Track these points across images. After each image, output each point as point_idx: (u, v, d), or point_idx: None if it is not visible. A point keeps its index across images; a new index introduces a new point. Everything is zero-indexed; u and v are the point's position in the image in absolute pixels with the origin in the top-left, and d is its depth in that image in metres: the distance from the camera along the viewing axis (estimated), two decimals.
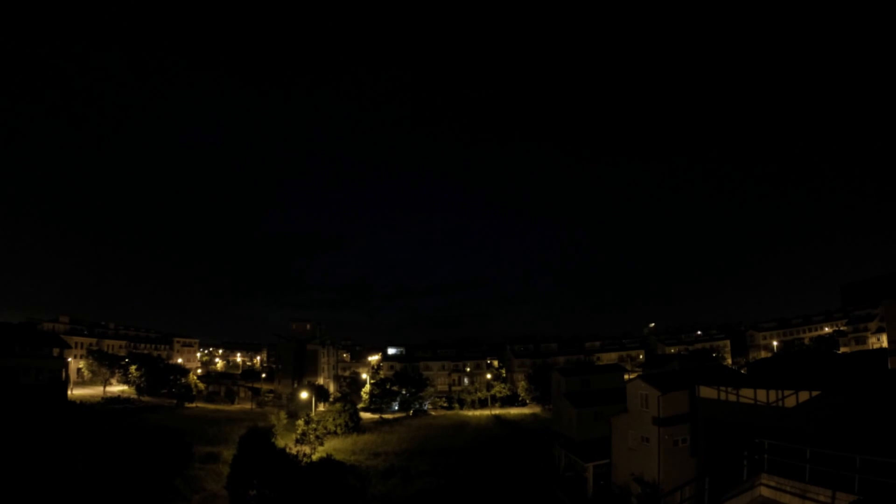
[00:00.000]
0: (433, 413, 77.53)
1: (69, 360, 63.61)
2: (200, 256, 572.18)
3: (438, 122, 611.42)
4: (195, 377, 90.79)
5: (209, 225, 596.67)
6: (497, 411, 75.54)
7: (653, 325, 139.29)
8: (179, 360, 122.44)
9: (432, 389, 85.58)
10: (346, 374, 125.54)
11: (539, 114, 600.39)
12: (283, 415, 59.66)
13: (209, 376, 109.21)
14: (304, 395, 71.12)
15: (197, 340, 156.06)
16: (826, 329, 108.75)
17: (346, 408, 60.25)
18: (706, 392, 24.73)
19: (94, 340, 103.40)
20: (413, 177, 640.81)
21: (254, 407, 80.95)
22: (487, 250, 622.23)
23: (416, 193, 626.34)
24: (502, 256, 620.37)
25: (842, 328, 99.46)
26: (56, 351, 58.52)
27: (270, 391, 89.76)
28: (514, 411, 75.51)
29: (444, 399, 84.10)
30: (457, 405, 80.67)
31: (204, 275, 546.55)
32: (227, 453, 37.53)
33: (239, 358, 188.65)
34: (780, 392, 19.77)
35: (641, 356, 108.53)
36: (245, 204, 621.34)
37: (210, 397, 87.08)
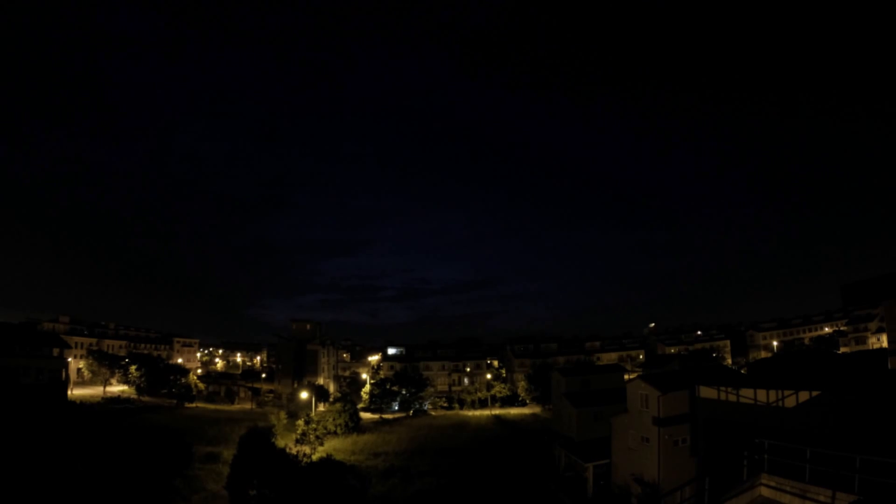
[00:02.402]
0: (433, 413, 77.53)
1: (69, 360, 63.56)
2: (208, 260, 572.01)
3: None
4: (195, 377, 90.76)
5: (218, 230, 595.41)
6: (497, 411, 75.53)
7: (653, 325, 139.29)
8: (179, 361, 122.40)
9: (432, 389, 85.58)
10: (346, 374, 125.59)
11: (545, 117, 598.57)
12: (283, 415, 59.58)
13: (209, 376, 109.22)
14: (304, 395, 71.09)
15: (197, 340, 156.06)
16: (826, 329, 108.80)
17: (346, 408, 60.21)
18: (706, 392, 24.70)
19: (94, 340, 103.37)
20: (421, 180, 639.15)
21: (254, 407, 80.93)
22: (490, 251, 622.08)
23: (422, 196, 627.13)
24: (505, 258, 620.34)
25: (842, 328, 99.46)
26: (56, 351, 58.51)
27: (270, 391, 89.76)
28: (514, 411, 75.51)
29: (444, 399, 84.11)
30: (457, 405, 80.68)
31: (212, 278, 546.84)
32: (227, 453, 37.51)
33: (239, 358, 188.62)
34: (780, 392, 19.75)
35: (641, 356, 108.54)
36: (257, 210, 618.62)
37: (210, 397, 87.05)
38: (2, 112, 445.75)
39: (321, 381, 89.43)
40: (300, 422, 52.08)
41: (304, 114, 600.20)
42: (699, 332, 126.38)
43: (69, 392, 61.92)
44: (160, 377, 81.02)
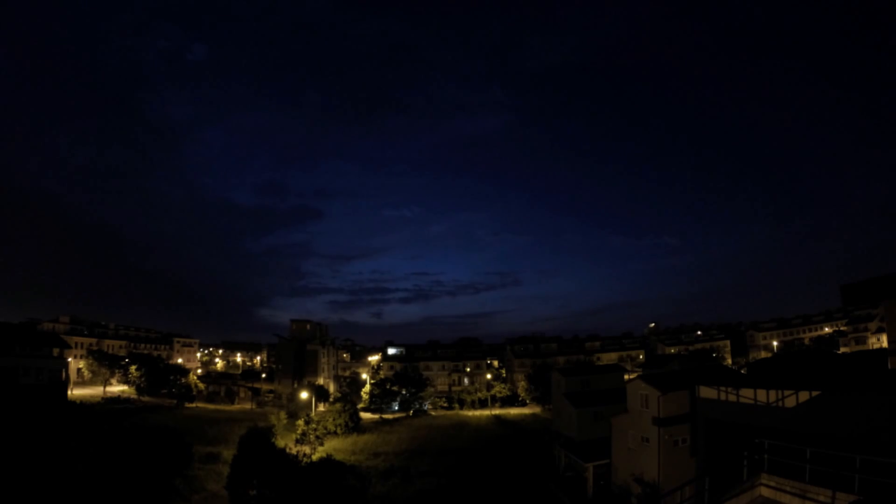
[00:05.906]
0: (433, 413, 77.53)
1: (69, 360, 63.61)
2: (219, 263, 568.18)
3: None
4: (195, 377, 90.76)
5: (234, 236, 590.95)
6: (497, 411, 75.57)
7: (653, 325, 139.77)
8: (179, 360, 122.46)
9: (432, 389, 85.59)
10: (346, 374, 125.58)
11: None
12: (283, 415, 59.57)
13: (209, 376, 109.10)
14: (304, 395, 71.12)
15: (197, 340, 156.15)
16: (826, 329, 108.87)
17: (346, 408, 60.26)
18: (706, 392, 24.67)
19: (94, 340, 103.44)
20: (442, 185, 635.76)
21: (254, 407, 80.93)
22: (500, 253, 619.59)
23: (441, 200, 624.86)
24: (515, 259, 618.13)
25: (842, 328, 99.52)
26: (56, 351, 58.52)
27: (270, 391, 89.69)
28: (514, 411, 75.55)
29: (444, 399, 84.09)
30: (457, 405, 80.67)
31: (222, 280, 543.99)
32: (227, 453, 37.53)
33: (239, 358, 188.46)
34: (780, 392, 19.73)
35: (641, 356, 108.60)
36: (279, 220, 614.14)
37: (210, 397, 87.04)
38: (7, 114, 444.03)
39: (321, 381, 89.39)
40: (300, 422, 52.08)
41: (339, 131, 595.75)
42: (699, 332, 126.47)
43: (69, 392, 61.92)
44: (160, 377, 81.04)
